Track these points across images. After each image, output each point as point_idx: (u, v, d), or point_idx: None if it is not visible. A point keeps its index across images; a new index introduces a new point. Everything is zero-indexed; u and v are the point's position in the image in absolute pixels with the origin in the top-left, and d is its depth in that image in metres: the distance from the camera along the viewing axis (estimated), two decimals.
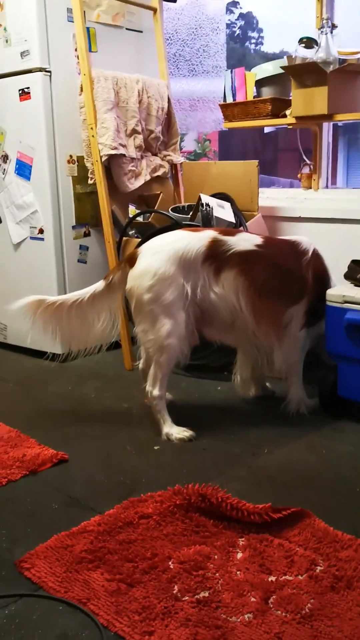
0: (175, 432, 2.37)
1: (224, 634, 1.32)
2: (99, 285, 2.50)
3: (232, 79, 3.36)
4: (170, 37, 4.12)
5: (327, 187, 3.49)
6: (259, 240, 2.47)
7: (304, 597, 1.44)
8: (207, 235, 2.42)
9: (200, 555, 1.58)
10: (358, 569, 1.53)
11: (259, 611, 1.39)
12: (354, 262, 2.54)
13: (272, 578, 1.51)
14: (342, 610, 1.39)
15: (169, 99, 3.49)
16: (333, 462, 2.15)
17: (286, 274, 2.48)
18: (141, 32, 3.56)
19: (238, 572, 1.53)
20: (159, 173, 3.46)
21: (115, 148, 3.14)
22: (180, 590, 1.46)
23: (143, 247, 2.46)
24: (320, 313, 2.51)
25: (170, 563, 1.56)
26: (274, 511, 1.74)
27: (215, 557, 1.58)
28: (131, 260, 2.44)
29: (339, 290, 2.43)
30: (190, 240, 2.39)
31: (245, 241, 2.44)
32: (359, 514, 1.81)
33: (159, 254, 2.37)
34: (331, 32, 2.93)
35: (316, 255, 2.57)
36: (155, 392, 2.40)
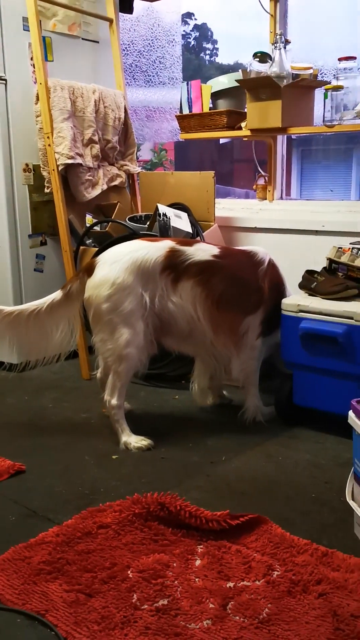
0: (134, 441, 2.37)
1: None
2: (57, 294, 2.49)
3: (188, 90, 3.41)
4: (126, 48, 4.14)
5: (281, 198, 3.57)
6: (216, 250, 2.50)
7: (261, 602, 1.46)
8: (165, 245, 2.44)
9: (159, 563, 1.59)
10: (314, 573, 1.56)
11: (218, 617, 1.40)
12: (308, 272, 2.60)
13: (230, 584, 1.53)
14: (298, 614, 1.42)
15: (125, 109, 3.51)
16: (289, 469, 2.19)
17: (243, 284, 2.51)
18: (97, 42, 3.58)
19: (197, 579, 1.54)
20: (116, 183, 3.47)
21: (72, 157, 3.14)
22: (140, 599, 1.46)
23: (101, 256, 2.46)
24: (276, 322, 2.55)
25: (129, 572, 1.56)
26: (231, 518, 1.76)
27: (174, 565, 1.59)
28: (89, 270, 2.43)
29: (294, 299, 2.49)
30: (149, 250, 2.41)
31: (202, 251, 2.46)
32: (315, 520, 1.85)
33: (117, 264, 2.38)
34: (284, 48, 3.00)
35: (272, 266, 2.62)
36: (114, 401, 2.40)
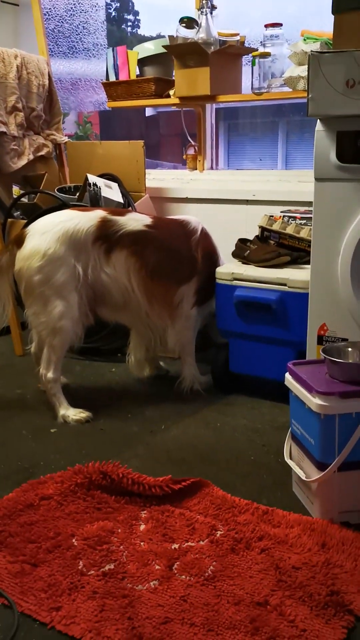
0: (72, 414, 2.34)
1: (131, 602, 1.34)
2: None
3: (114, 57, 3.33)
4: (48, 13, 3.99)
5: (212, 168, 3.57)
6: (148, 220, 2.48)
7: (206, 561, 1.48)
8: (96, 215, 2.40)
9: (104, 530, 1.58)
10: (256, 530, 1.60)
11: (164, 577, 1.42)
12: (240, 240, 2.62)
13: (175, 546, 1.54)
14: (242, 570, 1.45)
15: (49, 75, 3.40)
16: (227, 435, 2.22)
17: (176, 253, 2.51)
18: (17, 5, 3.44)
19: (142, 543, 1.55)
20: (43, 153, 3.37)
21: None
22: (86, 565, 1.46)
23: (30, 227, 2.39)
24: (210, 292, 2.57)
25: (74, 540, 1.55)
26: (173, 483, 1.77)
27: (119, 530, 1.59)
28: (19, 241, 2.36)
29: (228, 268, 2.50)
30: (80, 220, 2.36)
31: (135, 221, 2.44)
32: (254, 482, 1.89)
33: (48, 234, 2.32)
34: (211, 13, 2.97)
35: (205, 235, 2.62)
36: (50, 375, 2.35)
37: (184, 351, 2.61)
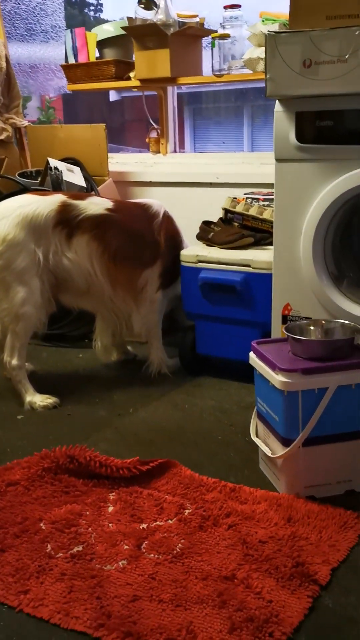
0: (39, 400, 2.33)
1: (100, 582, 1.35)
2: None
3: (72, 39, 3.28)
4: None
5: (175, 151, 3.55)
6: (109, 204, 2.46)
7: (174, 539, 1.50)
8: (56, 199, 2.37)
9: (72, 513, 1.58)
10: (223, 507, 1.62)
11: (133, 557, 1.43)
12: (204, 223, 2.62)
13: (144, 525, 1.56)
14: (210, 546, 1.47)
15: (7, 58, 3.34)
16: (195, 416, 2.24)
17: (138, 237, 2.49)
18: None
19: (110, 525, 1.56)
20: (2, 137, 3.31)
21: None
22: (54, 548, 1.46)
23: None
24: (174, 275, 2.57)
25: (41, 524, 1.55)
26: (141, 464, 1.78)
27: (87, 513, 1.60)
28: None
29: (193, 250, 2.51)
30: (39, 205, 2.33)
31: (95, 205, 2.42)
32: (222, 460, 1.91)
33: (6, 219, 2.28)
34: None
35: (167, 218, 2.61)
36: (14, 362, 2.33)
37: (150, 335, 2.61)
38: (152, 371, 2.61)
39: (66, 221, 2.35)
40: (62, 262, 2.36)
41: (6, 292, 2.29)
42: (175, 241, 2.62)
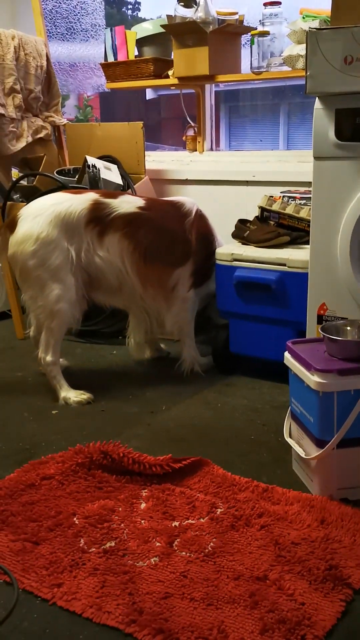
0: (73, 395, 2.35)
1: (132, 578, 1.35)
2: None
3: (112, 37, 3.30)
4: None
5: (211, 149, 3.55)
6: (141, 202, 2.46)
7: (206, 538, 1.50)
8: (88, 197, 2.39)
9: (105, 509, 1.60)
10: (255, 507, 1.61)
11: (164, 554, 1.43)
12: (240, 221, 2.61)
13: (176, 523, 1.56)
14: (242, 546, 1.47)
15: (47, 57, 3.37)
16: (227, 415, 2.23)
17: (170, 235, 2.49)
18: None
19: (142, 521, 1.56)
20: (42, 135, 3.35)
21: None
22: (87, 543, 1.47)
23: (22, 211, 2.37)
24: (206, 274, 2.57)
25: (75, 519, 1.56)
26: (174, 462, 1.78)
27: (120, 509, 1.61)
28: (11, 225, 2.34)
29: (228, 248, 2.50)
30: (72, 203, 2.35)
31: (127, 203, 2.42)
32: (254, 460, 1.90)
33: (40, 217, 2.30)
34: None
35: (200, 216, 2.60)
36: (49, 358, 2.36)
37: (183, 333, 2.60)
38: (185, 369, 2.60)
39: (98, 219, 2.36)
40: (95, 260, 2.37)
41: (41, 289, 2.31)
42: (207, 240, 2.61)
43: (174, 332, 2.62)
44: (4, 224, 2.47)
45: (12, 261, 2.35)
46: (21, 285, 2.38)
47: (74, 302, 2.36)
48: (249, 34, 2.95)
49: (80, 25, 4.03)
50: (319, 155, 2.01)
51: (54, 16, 3.97)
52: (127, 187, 3.02)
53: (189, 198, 2.64)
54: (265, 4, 2.90)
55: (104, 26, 4.02)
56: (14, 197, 3.25)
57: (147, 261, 2.42)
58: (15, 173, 3.43)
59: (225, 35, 3.00)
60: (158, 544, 1.47)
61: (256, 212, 2.60)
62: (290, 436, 1.82)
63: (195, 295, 2.59)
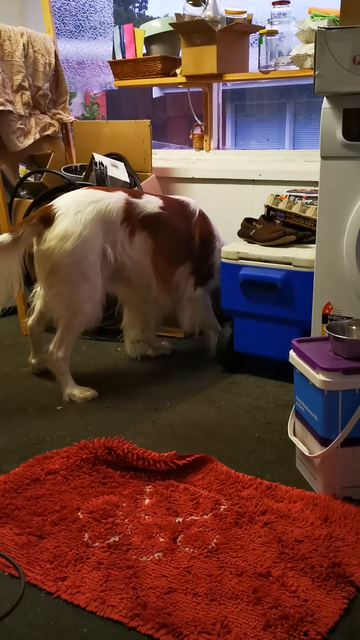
0: (78, 392, 2.36)
1: (136, 572, 1.36)
2: (4, 237, 2.26)
3: (120, 35, 3.30)
4: None
5: (218, 148, 3.55)
6: (160, 202, 2.52)
7: (209, 534, 1.50)
8: (121, 196, 2.42)
9: (109, 504, 1.61)
10: (259, 504, 1.62)
11: (168, 550, 1.44)
12: (246, 220, 2.62)
13: (179, 519, 1.57)
14: (245, 542, 1.48)
15: (56, 54, 3.38)
16: (232, 413, 2.24)
17: (179, 235, 2.55)
18: None
19: (146, 517, 1.57)
20: (49, 132, 3.36)
21: (2, 104, 3.01)
22: (91, 538, 1.48)
23: (59, 206, 2.31)
24: (207, 273, 2.62)
25: (79, 513, 1.57)
26: (178, 458, 1.79)
27: (124, 504, 1.62)
28: (46, 219, 2.28)
29: (234, 247, 2.50)
30: (110, 201, 2.36)
31: (150, 204, 2.48)
32: (258, 458, 1.91)
33: (81, 214, 2.28)
34: None
35: (202, 216, 2.66)
36: (60, 353, 2.35)
37: (205, 327, 2.74)
38: (211, 354, 2.70)
39: (130, 218, 2.39)
40: (123, 258, 2.40)
41: (70, 287, 2.29)
42: (207, 240, 2.66)
43: (195, 330, 2.75)
44: (35, 215, 2.33)
45: (45, 256, 2.27)
46: (46, 280, 2.31)
47: (97, 301, 2.36)
48: (257, 33, 2.95)
49: (89, 22, 4.04)
50: (326, 155, 2.02)
51: (62, 13, 3.98)
52: (133, 184, 3.03)
53: (191, 198, 2.70)
54: (273, 3, 2.90)
55: (112, 24, 4.03)
56: (21, 193, 3.26)
57: (162, 259, 2.49)
58: (22, 170, 3.44)
59: (234, 34, 3.01)
60: (162, 539, 1.48)
61: (262, 211, 2.61)
62: (295, 434, 1.82)
63: (205, 291, 2.66)
